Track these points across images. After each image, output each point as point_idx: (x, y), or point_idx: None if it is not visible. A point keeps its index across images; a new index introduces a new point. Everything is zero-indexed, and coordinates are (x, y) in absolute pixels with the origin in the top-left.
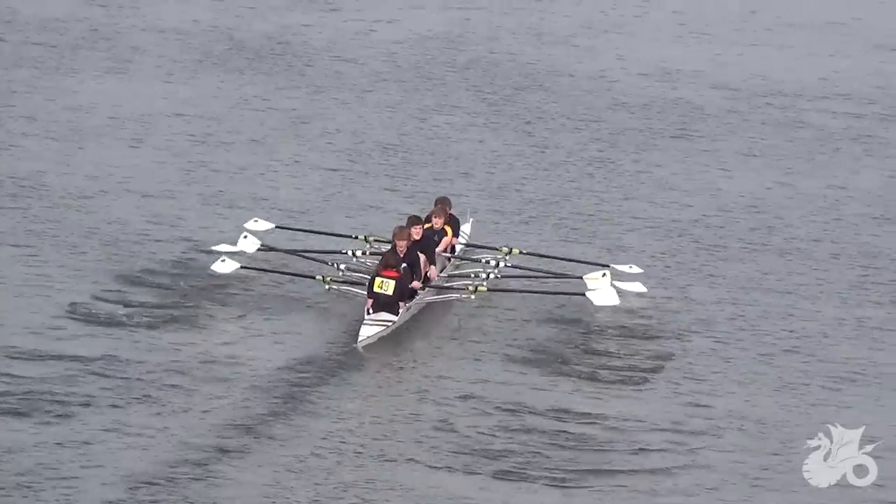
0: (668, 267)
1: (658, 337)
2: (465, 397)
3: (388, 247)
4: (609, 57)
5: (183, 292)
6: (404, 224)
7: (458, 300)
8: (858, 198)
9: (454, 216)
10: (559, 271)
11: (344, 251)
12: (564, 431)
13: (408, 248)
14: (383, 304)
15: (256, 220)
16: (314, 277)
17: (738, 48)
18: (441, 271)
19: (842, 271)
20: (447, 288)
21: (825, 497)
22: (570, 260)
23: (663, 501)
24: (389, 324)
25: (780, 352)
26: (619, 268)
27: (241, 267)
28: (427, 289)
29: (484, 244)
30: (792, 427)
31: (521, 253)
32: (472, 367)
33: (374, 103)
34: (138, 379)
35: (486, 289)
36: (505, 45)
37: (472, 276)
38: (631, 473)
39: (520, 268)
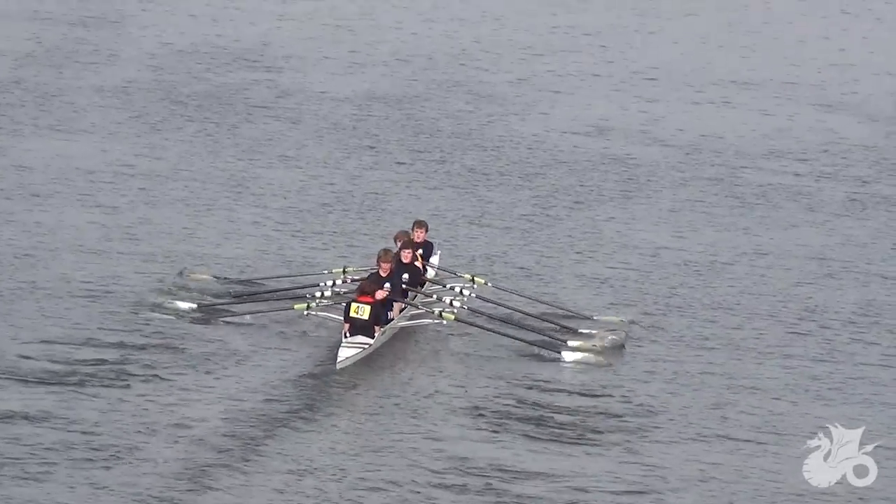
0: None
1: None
2: (443, 411)
3: (366, 275)
4: (547, 113)
5: (140, 343)
6: (391, 245)
7: (429, 325)
8: (798, 253)
9: (429, 241)
10: (532, 312)
11: (321, 283)
12: (507, 490)
13: (392, 270)
14: (360, 327)
15: (185, 272)
16: (292, 308)
17: (677, 104)
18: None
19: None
20: (420, 315)
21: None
22: (542, 302)
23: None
24: (366, 346)
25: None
26: (605, 319)
27: (205, 308)
28: (400, 313)
29: (450, 270)
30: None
31: (486, 284)
32: (441, 385)
33: (312, 160)
34: (104, 401)
35: (452, 317)
36: (443, 103)
37: (441, 299)
38: (633, 464)
39: (489, 301)
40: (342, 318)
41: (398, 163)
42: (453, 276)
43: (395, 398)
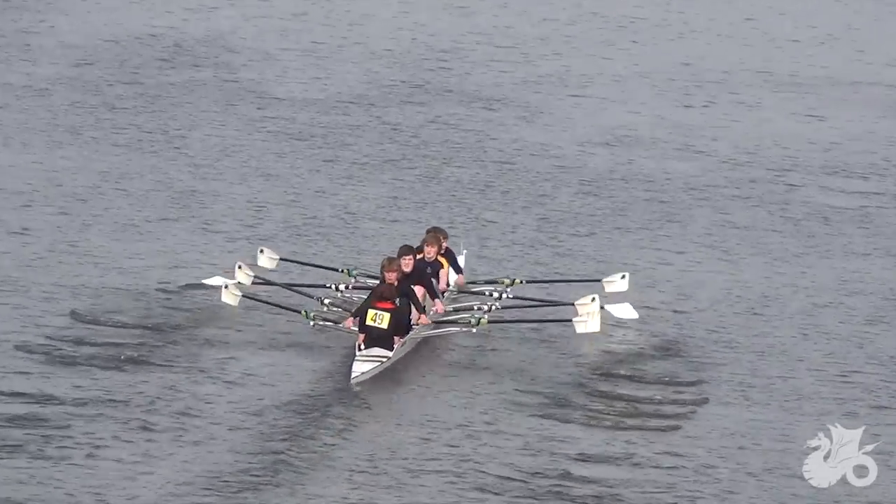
0: (656, 278)
1: (651, 358)
2: (469, 437)
3: (374, 281)
4: (558, 120)
5: (160, 330)
6: (396, 255)
7: (458, 333)
8: (865, 289)
9: (450, 249)
10: (553, 298)
11: (328, 285)
12: (570, 473)
13: (398, 280)
14: (376, 338)
15: (263, 251)
16: (300, 312)
17: (712, 108)
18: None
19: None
20: (447, 322)
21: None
22: (562, 281)
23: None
24: (384, 360)
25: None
26: (609, 280)
27: (243, 296)
28: (431, 323)
29: (486, 278)
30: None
31: (522, 282)
32: (473, 405)
33: (280, 169)
34: (117, 421)
35: (486, 321)
36: (433, 106)
37: (475, 308)
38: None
39: (521, 298)
40: (344, 327)
41: (382, 182)
42: (487, 283)
43: (419, 417)
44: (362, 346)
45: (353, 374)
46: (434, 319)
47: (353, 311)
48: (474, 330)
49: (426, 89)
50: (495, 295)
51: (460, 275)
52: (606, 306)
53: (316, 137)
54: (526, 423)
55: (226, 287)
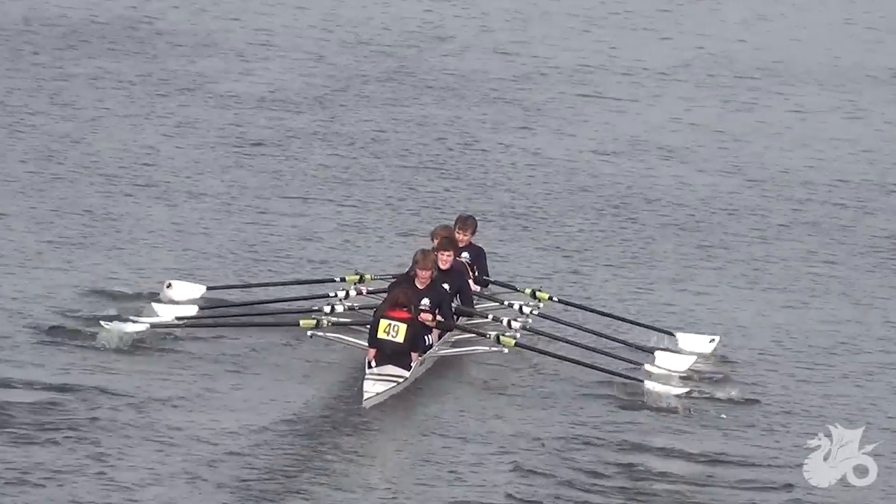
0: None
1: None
2: (497, 472)
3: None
4: (565, 123)
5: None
6: (430, 245)
7: (483, 353)
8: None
9: (477, 246)
10: (608, 333)
11: (331, 294)
12: None
13: (432, 279)
14: (391, 354)
15: (170, 285)
16: (297, 324)
17: (755, 111)
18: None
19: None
20: (465, 338)
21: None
22: (620, 318)
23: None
24: (400, 380)
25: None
26: (689, 337)
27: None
28: (440, 338)
29: (504, 284)
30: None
31: (553, 299)
32: (502, 436)
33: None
34: (86, 456)
35: (512, 343)
36: (420, 103)
37: (504, 321)
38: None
39: (558, 321)
40: (354, 339)
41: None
42: (509, 290)
43: (439, 445)
44: (373, 364)
45: (366, 395)
46: (455, 325)
47: (361, 320)
48: (506, 350)
49: (401, 84)
50: (521, 307)
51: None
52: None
53: (265, 144)
54: (562, 461)
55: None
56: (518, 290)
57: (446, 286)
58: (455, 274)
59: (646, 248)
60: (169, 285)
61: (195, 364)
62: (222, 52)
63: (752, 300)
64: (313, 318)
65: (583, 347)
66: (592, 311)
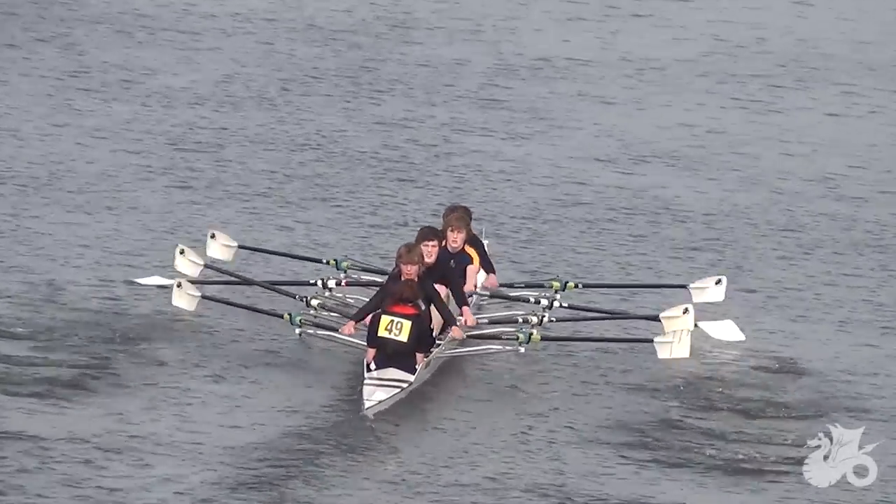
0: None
1: (755, 393)
2: (514, 479)
3: (370, 276)
4: (560, 126)
5: (114, 344)
6: (414, 241)
7: (500, 352)
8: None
9: (477, 237)
10: (623, 309)
11: (312, 281)
12: None
13: (419, 276)
14: (393, 355)
15: (214, 235)
16: (282, 316)
17: (778, 112)
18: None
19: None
20: (484, 337)
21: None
22: (633, 286)
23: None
24: (404, 385)
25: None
26: (699, 286)
27: (203, 297)
28: (465, 337)
29: (526, 281)
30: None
31: (578, 286)
32: (520, 441)
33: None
34: (66, 460)
35: (539, 338)
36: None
37: (520, 319)
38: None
39: (578, 308)
40: (342, 334)
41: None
42: (527, 287)
43: (449, 454)
44: (372, 366)
45: (367, 402)
46: (466, 333)
47: (351, 313)
48: (522, 349)
49: (362, 79)
50: (543, 303)
51: (492, 273)
52: (701, 323)
53: (203, 149)
54: (583, 466)
55: (178, 286)
56: (541, 285)
57: (437, 284)
58: (440, 266)
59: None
60: (213, 235)
61: (175, 371)
62: (158, 41)
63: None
64: (299, 314)
65: (602, 328)
66: (621, 286)
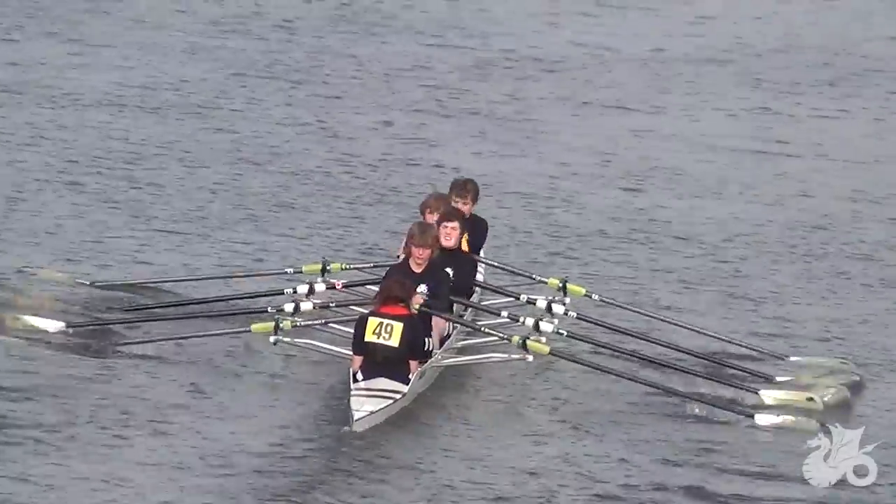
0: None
1: None
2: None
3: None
4: (545, 141)
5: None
6: (426, 218)
7: (502, 362)
8: None
9: (480, 218)
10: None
11: (287, 291)
12: None
13: (430, 261)
14: (383, 363)
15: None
16: (249, 330)
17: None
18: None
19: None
20: (477, 343)
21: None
22: (694, 329)
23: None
24: (396, 396)
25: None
26: (810, 364)
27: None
28: (442, 342)
29: (522, 271)
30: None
31: (594, 297)
32: (531, 462)
33: None
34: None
35: (547, 350)
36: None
37: (521, 320)
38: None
39: (597, 323)
40: (329, 346)
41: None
42: (529, 279)
43: (453, 481)
44: (359, 376)
45: (355, 414)
46: (459, 322)
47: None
48: (530, 357)
49: (312, 79)
50: (550, 304)
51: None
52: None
53: (127, 162)
54: (605, 487)
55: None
56: (540, 280)
57: (450, 270)
58: (462, 255)
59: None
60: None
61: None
62: (67, 38)
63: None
64: (270, 322)
65: (651, 362)
66: (651, 315)
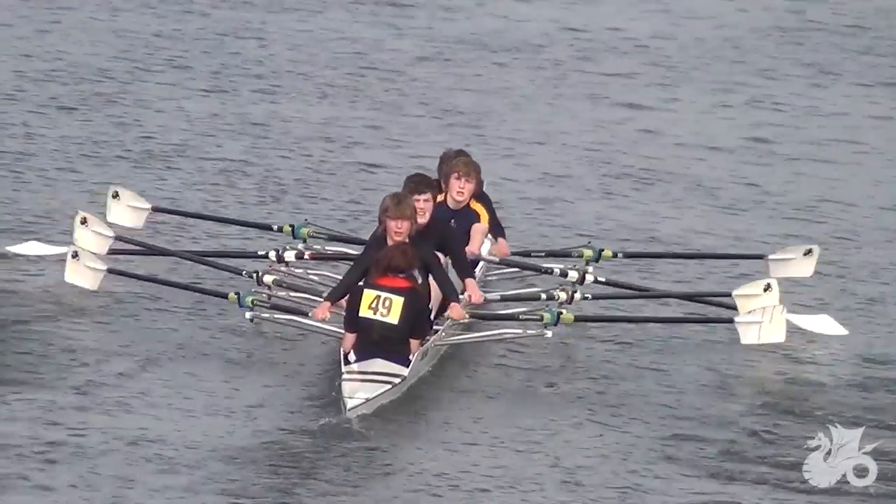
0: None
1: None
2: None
3: (339, 248)
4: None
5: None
6: (402, 190)
7: (520, 337)
8: None
9: (485, 192)
10: (681, 289)
11: (262, 253)
12: None
13: (411, 237)
14: (380, 341)
15: (116, 194)
16: (225, 296)
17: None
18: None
19: None
20: (498, 318)
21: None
22: (694, 255)
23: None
24: (395, 380)
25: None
26: (782, 258)
27: (109, 271)
28: (469, 318)
29: (549, 249)
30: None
31: (618, 256)
32: (545, 454)
33: None
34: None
35: (571, 318)
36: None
37: (543, 296)
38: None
39: (618, 285)
40: (313, 318)
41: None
42: (551, 257)
43: (459, 473)
44: (352, 356)
45: (349, 401)
46: (472, 312)
47: (319, 290)
48: (549, 333)
49: (227, 68)
50: (572, 275)
51: (501, 237)
52: (790, 316)
53: None
54: (627, 479)
55: (74, 256)
56: (568, 254)
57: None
58: (437, 226)
59: None
60: (116, 194)
61: (65, 355)
62: None
63: None
64: (250, 294)
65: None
66: (675, 256)
